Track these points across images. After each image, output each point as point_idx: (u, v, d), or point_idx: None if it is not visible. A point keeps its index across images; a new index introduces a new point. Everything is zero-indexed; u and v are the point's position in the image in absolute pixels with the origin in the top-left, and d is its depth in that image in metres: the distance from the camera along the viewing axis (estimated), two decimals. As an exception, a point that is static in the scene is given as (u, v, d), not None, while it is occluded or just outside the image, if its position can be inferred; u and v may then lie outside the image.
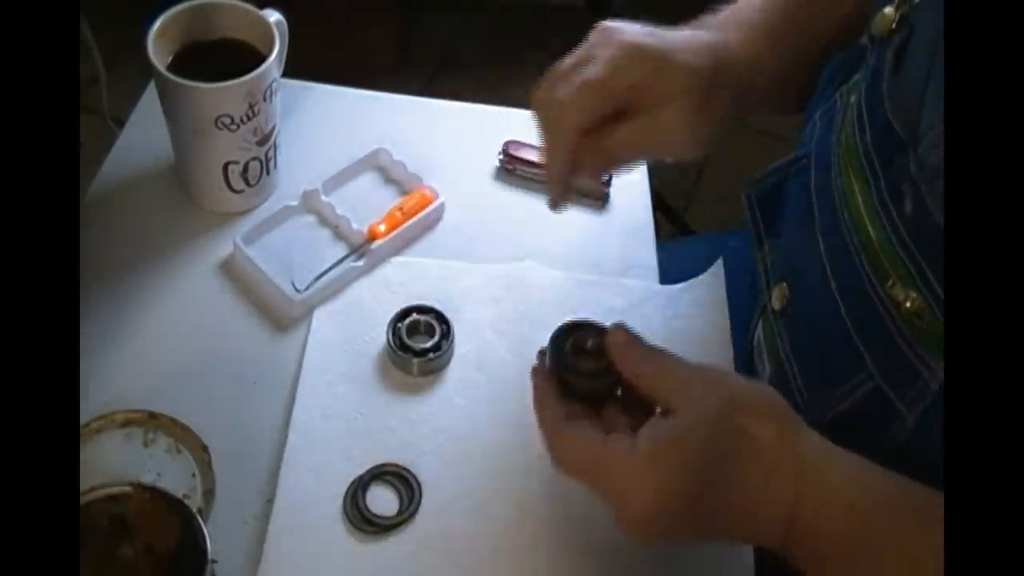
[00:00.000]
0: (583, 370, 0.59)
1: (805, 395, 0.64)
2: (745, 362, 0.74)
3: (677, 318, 0.75)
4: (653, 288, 0.78)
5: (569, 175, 0.64)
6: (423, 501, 0.66)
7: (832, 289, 0.61)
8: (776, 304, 0.68)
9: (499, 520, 0.65)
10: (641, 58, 0.62)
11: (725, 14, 0.72)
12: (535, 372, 0.60)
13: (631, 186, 0.85)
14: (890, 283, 0.56)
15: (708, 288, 0.76)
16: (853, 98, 0.63)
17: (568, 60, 0.64)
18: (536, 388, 0.59)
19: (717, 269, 0.77)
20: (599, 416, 0.57)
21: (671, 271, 0.80)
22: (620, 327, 0.59)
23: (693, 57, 0.63)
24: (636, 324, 0.73)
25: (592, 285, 0.77)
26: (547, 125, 0.64)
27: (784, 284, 0.67)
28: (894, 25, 0.61)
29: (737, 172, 2.02)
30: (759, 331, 0.71)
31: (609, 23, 0.66)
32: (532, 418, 0.69)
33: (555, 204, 0.67)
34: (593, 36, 0.65)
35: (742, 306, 0.76)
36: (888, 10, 0.62)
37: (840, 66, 0.68)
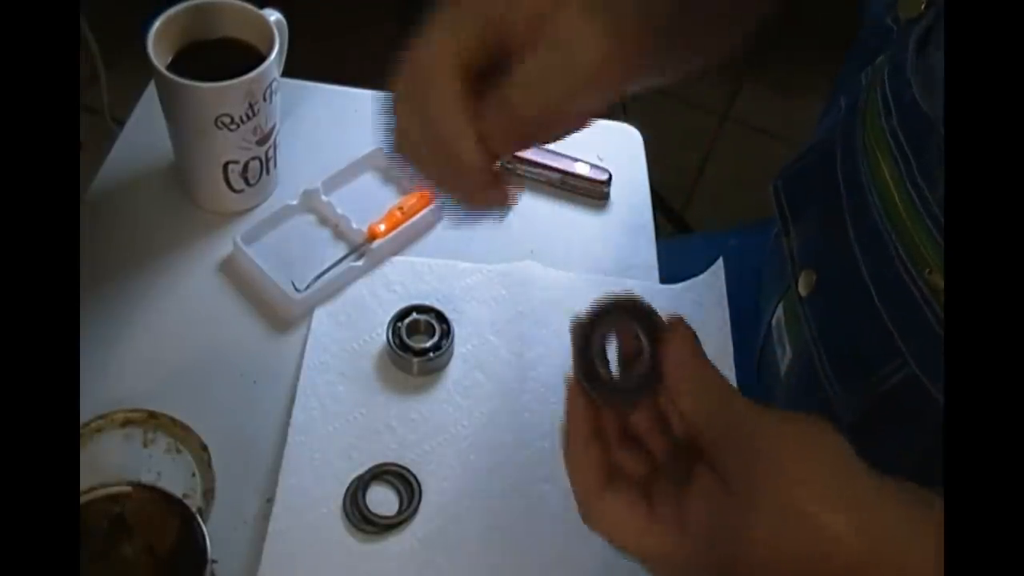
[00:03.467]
0: (617, 386, 0.47)
1: (834, 382, 0.63)
2: (751, 360, 0.74)
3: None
4: (653, 288, 0.78)
5: (483, 156, 0.48)
6: (423, 501, 0.66)
7: (863, 275, 0.59)
8: (803, 290, 0.65)
9: (499, 519, 0.65)
10: None
11: None
12: (568, 398, 0.48)
13: (631, 186, 0.85)
14: (928, 271, 0.54)
15: (708, 287, 0.77)
16: (878, 77, 0.61)
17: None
18: (569, 432, 0.48)
19: (717, 268, 0.77)
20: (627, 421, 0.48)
21: (671, 271, 0.80)
22: (679, 323, 0.46)
23: None
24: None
25: (592, 285, 0.77)
26: (421, 111, 0.49)
27: (811, 270, 0.65)
28: (923, 7, 0.59)
29: (737, 172, 2.04)
30: (779, 314, 0.70)
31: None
32: (532, 418, 0.70)
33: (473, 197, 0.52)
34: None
35: (743, 307, 0.76)
36: None
37: (864, 46, 0.67)
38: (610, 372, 0.47)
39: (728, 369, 0.72)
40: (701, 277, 0.78)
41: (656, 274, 0.79)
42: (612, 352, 0.48)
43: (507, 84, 0.47)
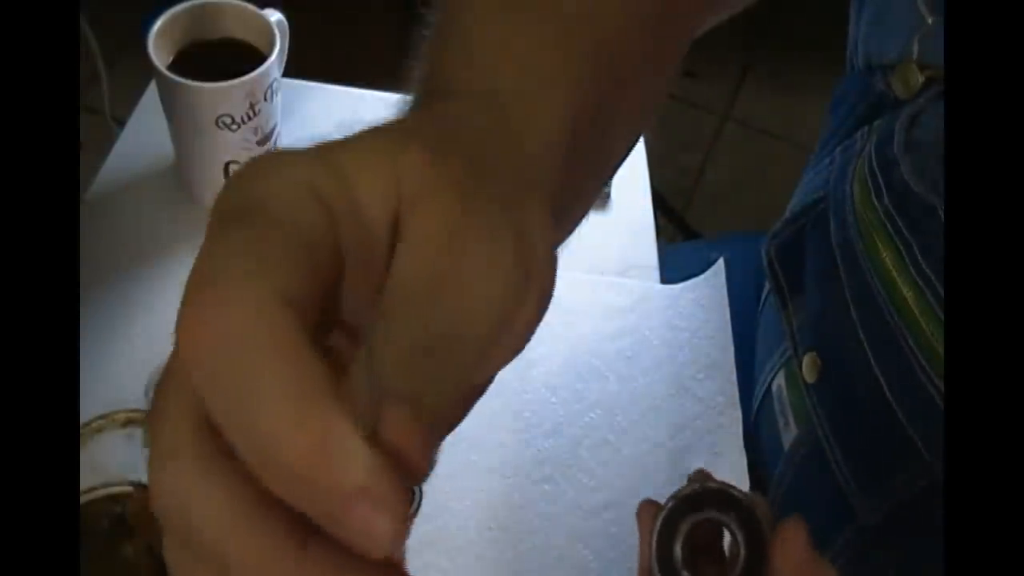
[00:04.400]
0: None
1: (850, 480, 0.58)
2: (746, 364, 0.73)
3: (678, 318, 0.75)
4: (653, 288, 0.78)
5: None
6: (424, 501, 0.66)
7: (873, 369, 0.55)
8: (808, 376, 0.61)
9: (500, 519, 0.65)
10: (312, 163, 0.30)
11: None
12: None
13: (632, 186, 0.85)
14: None
15: (709, 288, 0.77)
16: (869, 147, 0.58)
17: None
18: None
19: (718, 269, 0.77)
20: None
21: (671, 273, 0.80)
22: (794, 522, 0.38)
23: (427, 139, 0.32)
24: (636, 324, 0.74)
25: (592, 285, 0.77)
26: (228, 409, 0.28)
27: (815, 354, 0.61)
28: (919, 89, 0.56)
29: (737, 172, 2.04)
30: (780, 382, 0.66)
31: None
32: (533, 418, 0.70)
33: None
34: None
35: (743, 312, 0.76)
36: (909, 64, 0.57)
37: (860, 100, 0.64)
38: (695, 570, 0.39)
39: (730, 372, 0.72)
40: (702, 277, 0.78)
41: (657, 275, 0.79)
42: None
43: (373, 375, 0.27)
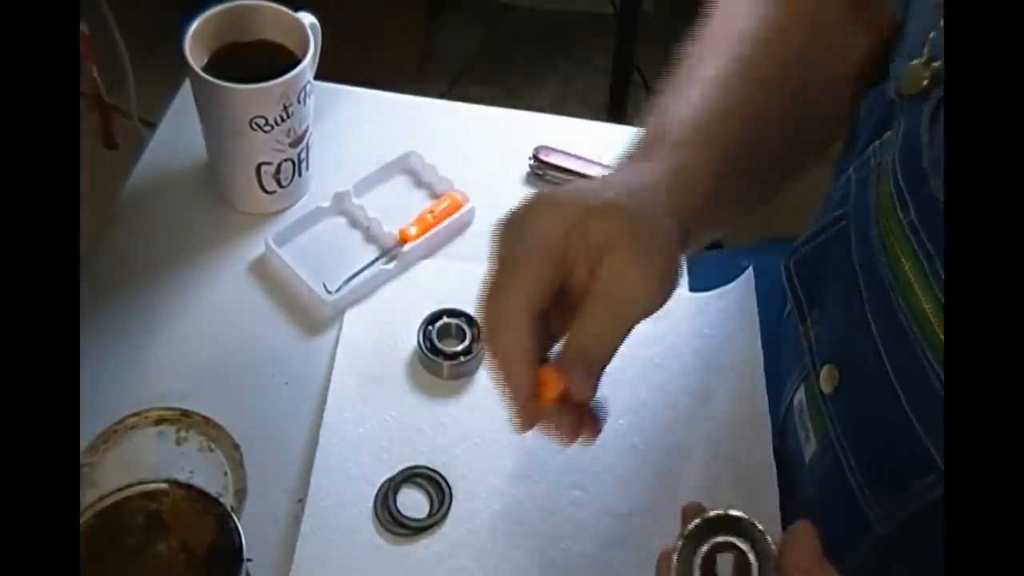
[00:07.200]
0: None
1: (865, 489, 0.59)
2: (773, 373, 0.73)
3: (708, 326, 0.75)
4: (682, 295, 0.77)
5: (533, 397, 0.54)
6: (453, 503, 0.66)
7: (891, 380, 0.56)
8: (825, 387, 0.62)
9: (529, 524, 0.65)
10: (556, 212, 0.53)
11: (661, 123, 0.60)
12: None
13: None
14: None
15: (739, 296, 0.76)
16: (888, 161, 0.58)
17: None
18: None
19: (748, 278, 0.77)
20: None
21: (698, 281, 0.79)
22: (804, 526, 0.45)
23: (614, 199, 0.53)
24: (666, 332, 0.74)
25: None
26: (494, 356, 0.54)
27: (833, 366, 0.62)
28: (926, 82, 0.55)
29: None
30: (800, 396, 0.67)
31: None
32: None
33: (522, 428, 0.55)
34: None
35: (769, 321, 0.75)
36: (916, 63, 0.56)
37: (866, 118, 0.64)
38: None
39: (759, 381, 0.72)
40: (731, 286, 0.77)
41: (685, 282, 0.79)
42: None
43: (565, 344, 0.54)
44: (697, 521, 0.45)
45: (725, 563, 0.45)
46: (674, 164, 0.57)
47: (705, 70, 0.62)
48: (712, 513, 0.45)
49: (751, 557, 0.44)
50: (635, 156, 0.59)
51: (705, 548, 0.44)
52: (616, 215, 0.52)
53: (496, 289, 0.53)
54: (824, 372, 0.62)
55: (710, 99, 0.60)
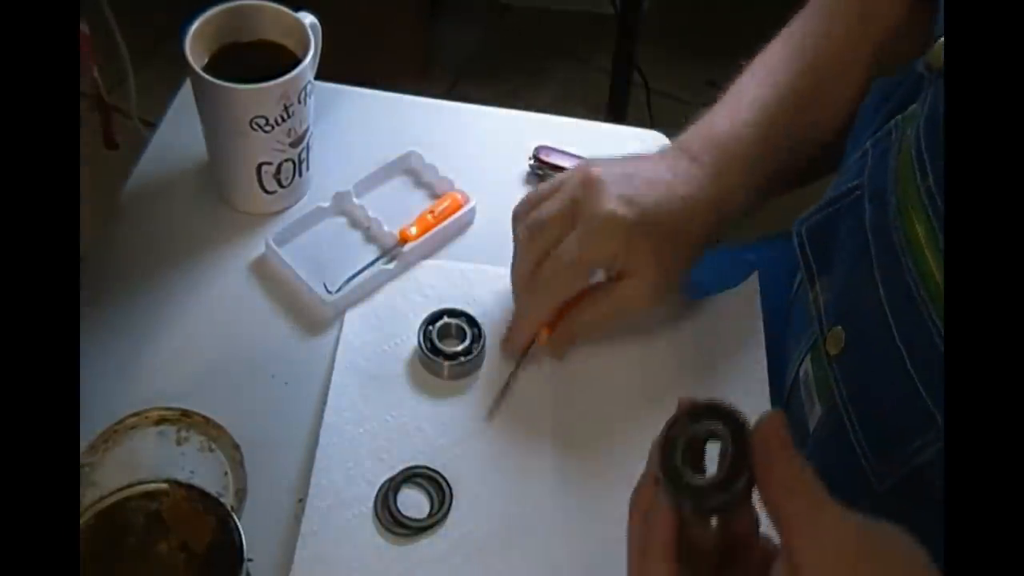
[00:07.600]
0: (702, 487, 0.45)
1: (866, 448, 0.61)
2: (773, 370, 0.73)
3: (712, 330, 0.75)
4: (688, 298, 0.77)
5: (528, 345, 0.71)
6: (454, 503, 0.66)
7: (896, 340, 0.57)
8: (832, 348, 0.64)
9: (529, 523, 0.65)
10: (613, 232, 0.65)
11: (705, 130, 0.72)
12: (638, 503, 0.50)
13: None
14: None
15: (743, 300, 0.75)
16: (911, 131, 0.59)
17: (546, 207, 0.68)
18: (645, 544, 0.49)
19: (752, 281, 0.76)
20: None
21: (701, 276, 0.79)
22: (777, 419, 0.45)
23: (662, 224, 0.66)
24: (670, 335, 0.74)
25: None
26: (526, 301, 0.69)
27: (839, 328, 0.64)
28: None
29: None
30: (807, 366, 0.69)
31: (590, 168, 0.68)
32: (566, 424, 0.70)
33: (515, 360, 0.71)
34: (573, 179, 0.68)
35: (771, 316, 0.75)
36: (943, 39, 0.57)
37: (891, 92, 0.65)
38: (694, 475, 0.45)
39: (763, 383, 0.71)
40: (736, 289, 0.76)
41: (688, 277, 0.79)
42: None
43: (561, 325, 0.70)
44: (687, 408, 0.46)
45: (715, 451, 0.45)
46: (717, 176, 0.68)
47: (760, 88, 0.72)
48: (703, 401, 0.46)
49: (726, 437, 0.45)
50: (685, 151, 0.70)
51: (690, 433, 0.45)
52: (651, 238, 0.66)
53: (547, 230, 0.67)
54: (831, 334, 0.64)
55: (760, 121, 0.71)
